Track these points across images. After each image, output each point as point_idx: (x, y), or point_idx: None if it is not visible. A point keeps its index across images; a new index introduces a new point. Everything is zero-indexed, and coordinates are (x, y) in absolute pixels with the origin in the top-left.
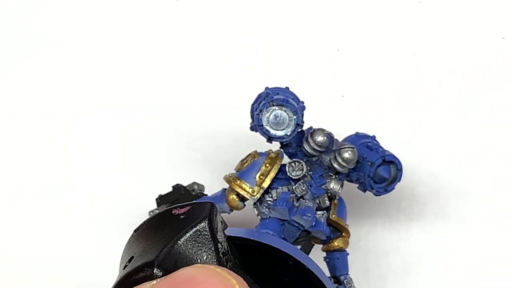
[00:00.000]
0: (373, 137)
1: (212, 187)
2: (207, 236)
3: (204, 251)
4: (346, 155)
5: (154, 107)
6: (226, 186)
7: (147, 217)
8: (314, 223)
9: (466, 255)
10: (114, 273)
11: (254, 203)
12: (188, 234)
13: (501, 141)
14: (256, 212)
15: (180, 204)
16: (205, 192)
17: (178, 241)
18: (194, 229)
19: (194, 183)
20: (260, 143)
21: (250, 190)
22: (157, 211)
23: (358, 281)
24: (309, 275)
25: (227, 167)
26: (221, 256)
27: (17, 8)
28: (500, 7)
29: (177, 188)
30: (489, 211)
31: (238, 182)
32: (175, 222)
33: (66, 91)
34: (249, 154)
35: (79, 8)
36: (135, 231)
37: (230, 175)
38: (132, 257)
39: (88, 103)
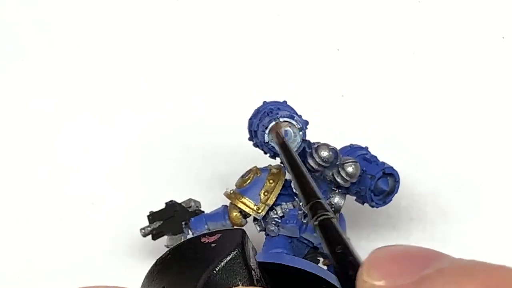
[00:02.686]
0: (366, 148)
1: (207, 195)
2: (240, 265)
3: (239, 280)
4: (350, 169)
5: (155, 112)
6: (226, 202)
7: (139, 233)
8: None
9: (466, 254)
10: (113, 273)
11: (255, 219)
12: (222, 264)
13: (501, 140)
14: (259, 228)
15: (208, 232)
16: (201, 209)
17: (214, 271)
18: (228, 258)
19: (190, 199)
20: (257, 157)
21: (255, 208)
22: (149, 228)
23: None
24: None
25: (224, 175)
26: (255, 283)
27: (14, 9)
28: (500, 7)
29: (171, 205)
30: (489, 211)
31: (242, 199)
32: (206, 251)
33: (66, 91)
34: (250, 170)
35: (78, 10)
36: (158, 262)
37: (232, 191)
38: (163, 287)
39: (88, 105)
